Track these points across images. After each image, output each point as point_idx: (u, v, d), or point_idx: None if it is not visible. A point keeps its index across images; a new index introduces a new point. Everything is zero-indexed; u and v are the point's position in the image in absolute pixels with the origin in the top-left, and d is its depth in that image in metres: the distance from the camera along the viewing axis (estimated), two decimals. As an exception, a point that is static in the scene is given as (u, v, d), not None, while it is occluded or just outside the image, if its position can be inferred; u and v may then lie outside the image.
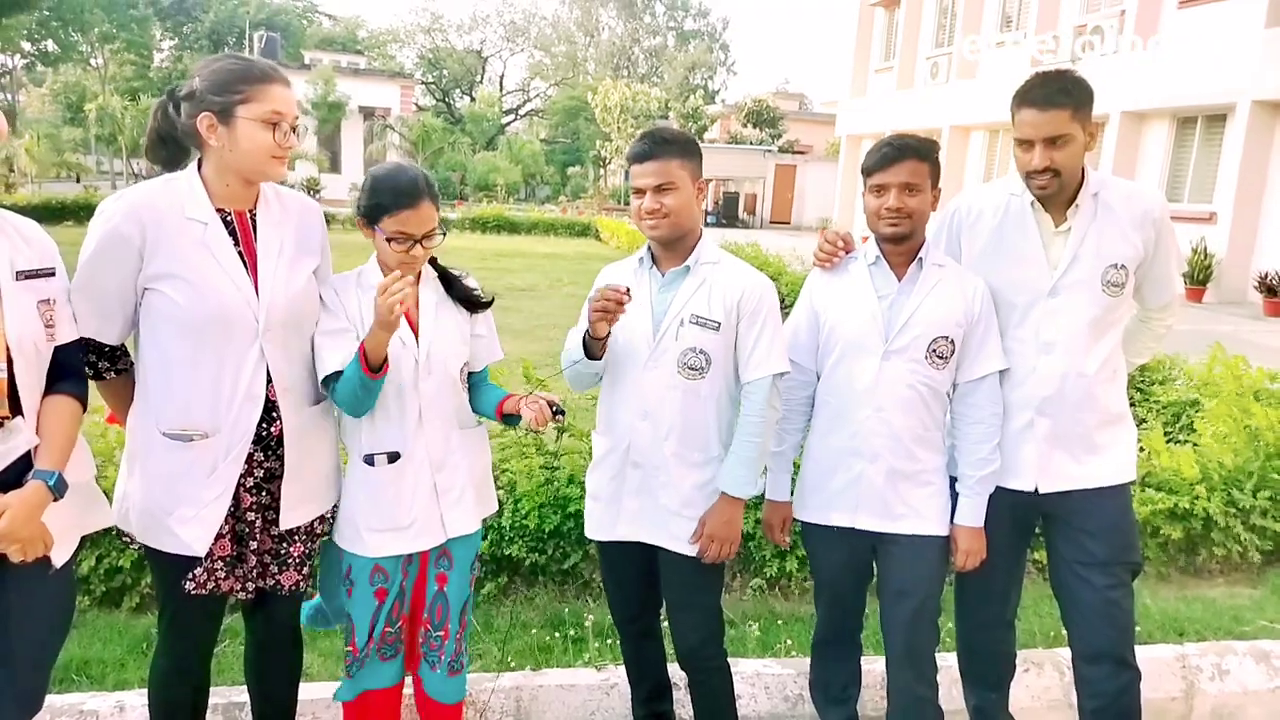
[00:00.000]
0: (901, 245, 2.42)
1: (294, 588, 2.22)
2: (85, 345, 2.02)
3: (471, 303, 2.39)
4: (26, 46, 44.04)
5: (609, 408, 2.46)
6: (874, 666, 2.88)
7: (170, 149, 2.10)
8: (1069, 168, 2.34)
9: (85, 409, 1.98)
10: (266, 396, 2.08)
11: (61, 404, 1.92)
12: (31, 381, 1.86)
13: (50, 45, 44.91)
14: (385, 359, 2.12)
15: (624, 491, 2.41)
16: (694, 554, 2.37)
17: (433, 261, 2.37)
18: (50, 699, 2.62)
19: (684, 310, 2.34)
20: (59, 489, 1.85)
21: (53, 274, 1.92)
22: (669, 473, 2.36)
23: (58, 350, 1.93)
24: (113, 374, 2.11)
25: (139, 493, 2.08)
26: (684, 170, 2.33)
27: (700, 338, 2.33)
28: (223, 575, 2.10)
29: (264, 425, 2.09)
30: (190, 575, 2.06)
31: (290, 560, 2.20)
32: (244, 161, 2.03)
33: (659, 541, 2.40)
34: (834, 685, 2.70)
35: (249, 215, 2.11)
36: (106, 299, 2.01)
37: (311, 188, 28.23)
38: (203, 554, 2.06)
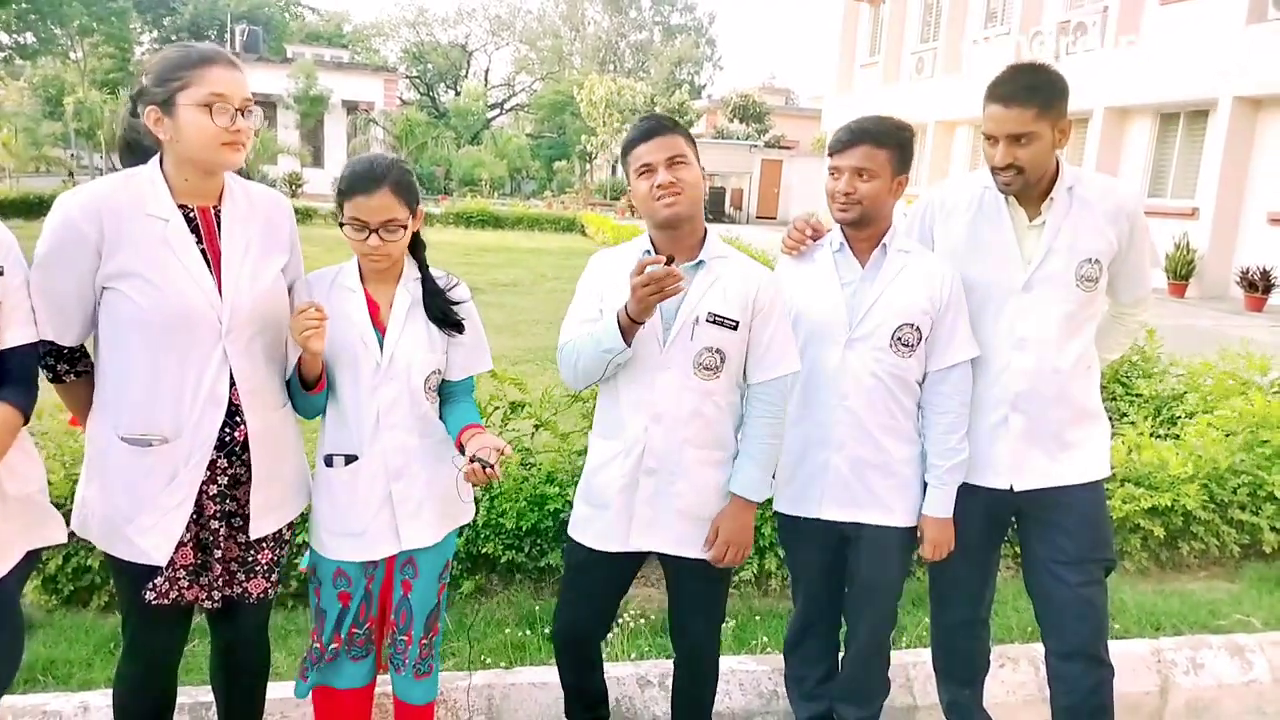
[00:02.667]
0: (863, 231, 2.39)
1: (262, 595, 2.16)
2: (40, 348, 1.91)
3: (442, 322, 2.24)
4: (4, 39, 43.62)
5: (613, 411, 2.30)
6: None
7: (139, 154, 2.03)
8: (1034, 165, 2.31)
9: (27, 418, 1.86)
10: (230, 400, 2.02)
11: None
12: None
13: (28, 38, 44.42)
14: (320, 376, 2.12)
15: (637, 500, 2.27)
16: (708, 558, 2.30)
17: (423, 266, 2.29)
18: (12, 700, 2.59)
19: (699, 307, 2.21)
20: None
21: (0, 272, 1.81)
22: (689, 476, 2.26)
23: (5, 354, 1.82)
24: (72, 376, 2.02)
25: (98, 499, 2.02)
26: (691, 150, 2.23)
27: (717, 337, 2.22)
28: (186, 584, 2.03)
29: (227, 430, 2.02)
30: (151, 585, 2.00)
31: (258, 567, 2.14)
32: (192, 150, 1.95)
33: (677, 551, 2.30)
34: (809, 680, 2.68)
35: (213, 211, 2.04)
36: (64, 298, 1.91)
37: (294, 182, 28.05)
38: (163, 563, 1.99)
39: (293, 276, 2.21)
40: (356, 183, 2.11)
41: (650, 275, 2.01)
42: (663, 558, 2.37)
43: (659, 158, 2.18)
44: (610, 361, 2.18)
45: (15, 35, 44.04)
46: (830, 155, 2.37)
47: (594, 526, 2.34)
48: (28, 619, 3.20)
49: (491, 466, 2.03)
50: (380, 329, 2.20)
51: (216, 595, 2.08)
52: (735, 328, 2.23)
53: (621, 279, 2.14)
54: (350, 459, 2.21)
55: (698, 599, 2.42)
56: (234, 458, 2.06)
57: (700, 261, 2.26)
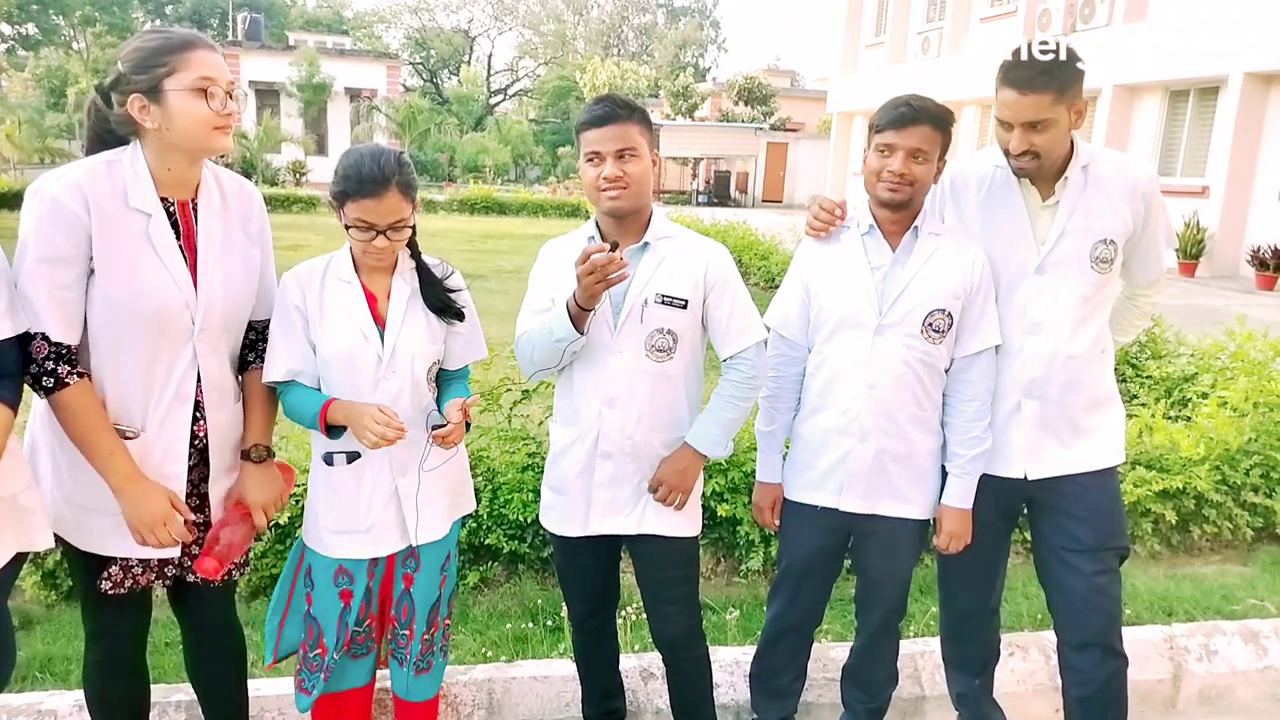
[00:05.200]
0: (898, 213, 2.30)
1: (224, 578, 2.14)
2: (39, 352, 1.83)
3: (442, 311, 2.21)
4: (6, 30, 43.54)
5: (569, 396, 2.30)
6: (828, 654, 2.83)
7: (110, 146, 1.96)
8: (1050, 150, 2.23)
9: (15, 412, 1.80)
10: (195, 397, 2.00)
11: None
12: None
13: (31, 29, 44.36)
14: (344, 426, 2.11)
15: (594, 484, 2.27)
16: (680, 535, 2.29)
17: (416, 253, 2.24)
18: (8, 698, 2.56)
19: (646, 289, 2.20)
20: None
21: None
22: (645, 458, 2.26)
23: None
24: (75, 377, 1.85)
25: (55, 488, 1.97)
26: (644, 138, 2.19)
27: (667, 317, 2.21)
28: (139, 571, 2.02)
29: (190, 426, 2.01)
30: (105, 574, 1.98)
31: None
32: (184, 138, 1.90)
33: (636, 530, 2.29)
34: (782, 677, 2.62)
35: (191, 205, 2.00)
36: (66, 290, 1.83)
37: (298, 170, 28.01)
38: (129, 554, 1.97)
39: (265, 264, 2.16)
40: (364, 186, 2.03)
41: (593, 263, 2.00)
42: (631, 549, 2.36)
43: (608, 148, 2.15)
44: (565, 350, 2.17)
45: (17, 26, 43.99)
46: (880, 131, 2.24)
47: (556, 512, 2.35)
48: (26, 615, 3.20)
49: (442, 426, 2.09)
50: (379, 322, 2.15)
51: (170, 572, 2.07)
52: (685, 306, 2.21)
53: (569, 266, 2.11)
54: (352, 456, 2.16)
55: (665, 584, 2.38)
56: (194, 451, 2.04)
57: (646, 244, 2.23)
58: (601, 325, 2.20)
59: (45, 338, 1.83)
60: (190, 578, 2.09)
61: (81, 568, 2.03)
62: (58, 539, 1.99)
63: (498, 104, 52.30)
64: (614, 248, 2.01)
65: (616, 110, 2.17)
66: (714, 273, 2.25)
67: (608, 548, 2.38)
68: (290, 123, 31.12)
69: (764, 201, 31.56)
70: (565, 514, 2.33)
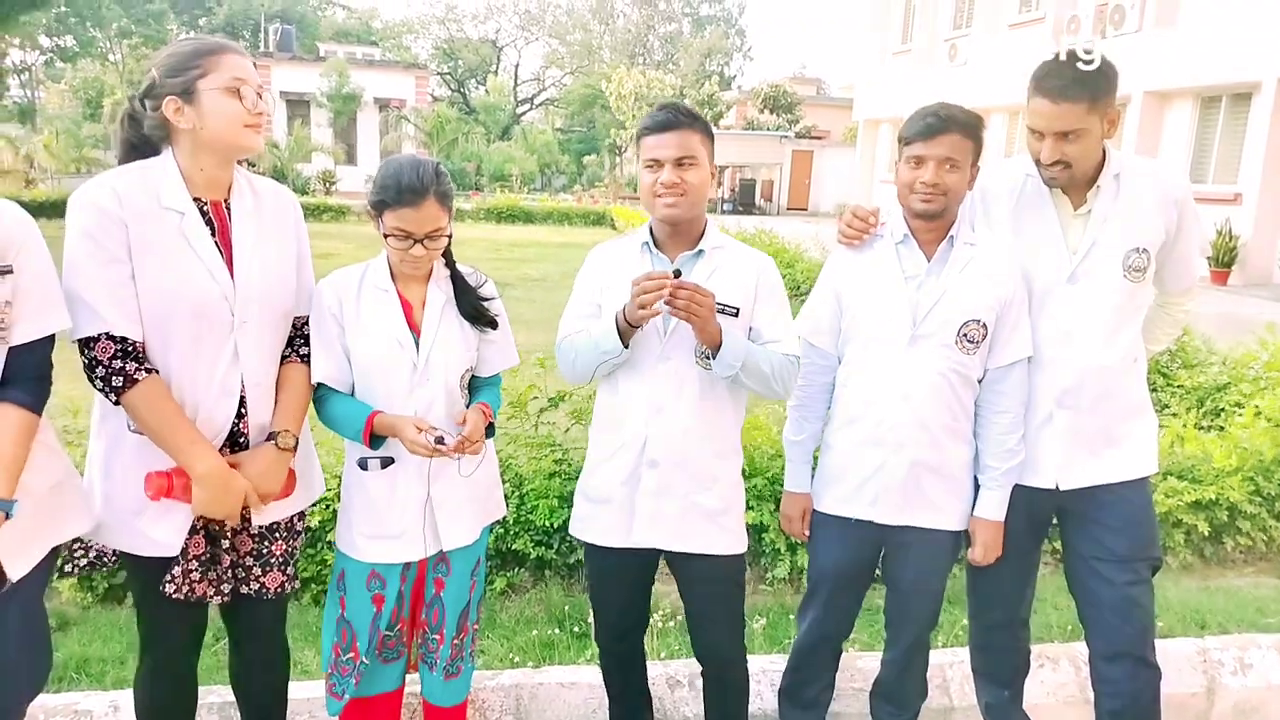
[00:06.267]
0: (933, 223, 2.29)
1: (279, 590, 2.15)
2: (104, 352, 1.87)
3: (476, 319, 2.25)
4: (45, 42, 44.35)
5: (614, 403, 2.27)
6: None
7: (143, 153, 2.02)
8: (1082, 159, 2.22)
9: (40, 415, 1.81)
10: (239, 392, 2.03)
11: (10, 419, 1.73)
12: None
13: (69, 41, 45.21)
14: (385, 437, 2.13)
15: (639, 494, 2.23)
16: (730, 552, 2.28)
17: (450, 262, 2.27)
18: (44, 699, 2.61)
19: None
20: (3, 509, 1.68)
21: (9, 271, 1.75)
22: (691, 467, 2.22)
23: (13, 351, 1.77)
24: (143, 373, 1.89)
25: (104, 496, 2.01)
26: (705, 148, 2.18)
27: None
28: (197, 578, 2.02)
29: (235, 422, 2.04)
30: (170, 576, 1.99)
31: (273, 560, 2.14)
32: (217, 136, 1.96)
33: (682, 546, 2.26)
34: (811, 688, 2.60)
35: (225, 205, 2.05)
36: (122, 288, 1.89)
37: (328, 180, 28.28)
38: (176, 552, 1.99)
39: (302, 266, 2.19)
40: (404, 195, 2.06)
41: (643, 288, 2.01)
42: (670, 560, 2.33)
43: (668, 155, 2.14)
44: (607, 362, 2.17)
45: (55, 39, 44.84)
46: (909, 143, 2.24)
47: (596, 523, 2.32)
48: (62, 616, 3.25)
49: (442, 441, 2.07)
50: (414, 329, 2.18)
51: (226, 589, 2.07)
52: (736, 314, 2.19)
53: (620, 274, 2.12)
54: (386, 462, 2.18)
55: (710, 601, 2.35)
56: (239, 448, 2.06)
57: (700, 251, 2.23)
58: (651, 332, 2.18)
59: (109, 336, 1.88)
60: (244, 589, 2.11)
61: (142, 576, 2.05)
62: (121, 554, 2.03)
63: (524, 113, 52.55)
64: (676, 275, 2.02)
65: (680, 117, 2.17)
66: (764, 283, 2.24)
67: (647, 561, 2.35)
68: (320, 133, 31.42)
69: (789, 209, 31.47)
70: (606, 524, 2.29)
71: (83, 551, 2.06)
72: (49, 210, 18.30)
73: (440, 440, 2.06)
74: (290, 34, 37.19)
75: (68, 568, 2.06)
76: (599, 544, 2.32)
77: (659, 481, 2.23)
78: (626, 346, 2.12)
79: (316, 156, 29.51)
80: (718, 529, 2.27)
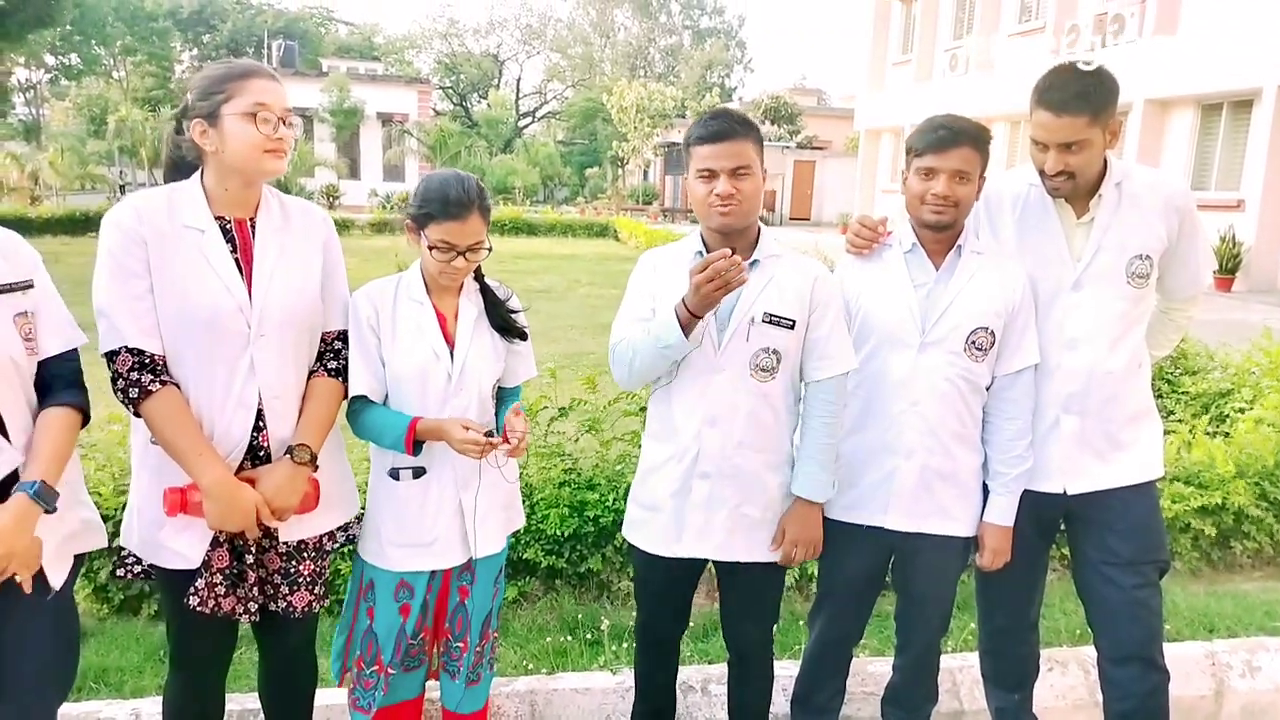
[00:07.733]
0: (942, 233, 2.32)
1: (306, 609, 2.15)
2: (123, 364, 1.92)
3: (505, 330, 2.31)
4: (50, 60, 44.61)
5: (667, 413, 2.28)
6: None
7: (184, 171, 2.09)
8: (1085, 170, 2.26)
9: (88, 418, 1.91)
10: (257, 405, 2.04)
11: (53, 415, 1.83)
12: (12, 398, 1.78)
13: (73, 59, 45.46)
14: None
15: (689, 505, 2.25)
16: (774, 559, 2.30)
17: (479, 275, 2.32)
18: (66, 708, 2.62)
19: (754, 308, 2.18)
20: (42, 498, 1.74)
21: (30, 286, 1.84)
22: (743, 480, 2.24)
23: (46, 364, 1.85)
24: (157, 384, 1.93)
25: (136, 508, 2.06)
26: (757, 155, 2.18)
27: (774, 337, 2.19)
28: (223, 592, 2.03)
29: (254, 435, 2.05)
30: (193, 588, 2.01)
31: (300, 579, 2.14)
32: (237, 159, 1.99)
33: (734, 557, 2.28)
34: (821, 695, 2.63)
35: (249, 223, 2.08)
36: (142, 302, 1.94)
37: (331, 194, 28.41)
38: (197, 563, 2.01)
39: (336, 281, 2.21)
40: (450, 209, 2.12)
41: (715, 269, 1.98)
42: (717, 568, 2.37)
43: (723, 165, 2.13)
44: (669, 358, 2.15)
45: (60, 56, 45.10)
46: (920, 154, 2.26)
47: (646, 530, 2.34)
48: (80, 627, 3.28)
49: (490, 435, 2.13)
50: (448, 341, 2.23)
51: (254, 607, 2.07)
52: (792, 327, 2.20)
53: (674, 277, 2.14)
54: (419, 471, 2.21)
55: (747, 603, 2.40)
56: (259, 462, 2.06)
57: (755, 261, 2.23)
58: (705, 343, 2.17)
59: (128, 349, 1.93)
60: (273, 606, 2.13)
61: (169, 589, 2.08)
62: (152, 567, 2.07)
63: (526, 126, 52.73)
64: (732, 253, 2.01)
65: (734, 126, 2.16)
66: (820, 293, 2.24)
67: (693, 569, 2.38)
68: (323, 147, 31.57)
69: (792, 219, 31.55)
70: (655, 532, 2.31)
71: (135, 559, 2.10)
72: (54, 227, 18.44)
73: (490, 434, 2.10)
74: (293, 50, 37.45)
75: (120, 572, 2.12)
76: (648, 551, 2.33)
77: (709, 493, 2.24)
78: (689, 338, 2.09)
79: (320, 171, 29.64)
80: (766, 536, 2.30)
